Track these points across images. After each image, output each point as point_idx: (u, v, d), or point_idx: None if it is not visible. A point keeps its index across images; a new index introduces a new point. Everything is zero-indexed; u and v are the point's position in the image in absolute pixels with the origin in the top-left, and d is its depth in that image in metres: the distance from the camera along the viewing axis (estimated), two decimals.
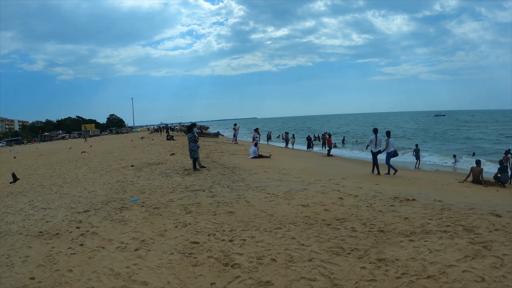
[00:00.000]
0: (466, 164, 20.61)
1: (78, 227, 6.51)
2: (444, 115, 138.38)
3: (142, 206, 7.83)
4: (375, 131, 14.51)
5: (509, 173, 14.34)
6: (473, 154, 25.96)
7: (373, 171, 14.51)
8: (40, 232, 6.42)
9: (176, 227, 6.14)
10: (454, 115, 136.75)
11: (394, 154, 14.85)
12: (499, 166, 14.31)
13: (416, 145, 22.39)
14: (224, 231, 5.85)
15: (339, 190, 9.13)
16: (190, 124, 14.36)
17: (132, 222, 6.54)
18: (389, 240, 5.11)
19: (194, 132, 13.86)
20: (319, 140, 36.55)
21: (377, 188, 9.80)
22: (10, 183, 13.81)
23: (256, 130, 22.23)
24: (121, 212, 7.34)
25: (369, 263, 4.32)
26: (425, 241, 4.95)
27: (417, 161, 21.13)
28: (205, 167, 14.01)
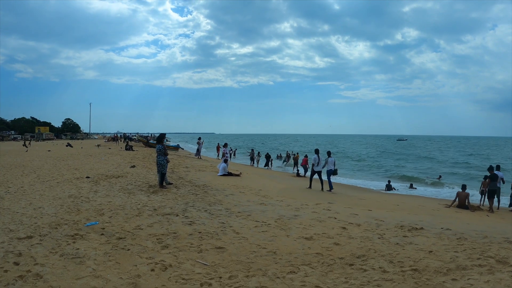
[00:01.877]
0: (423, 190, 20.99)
1: (16, 263, 4.71)
2: (406, 140, 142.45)
3: (102, 234, 6.12)
4: (317, 151, 15.91)
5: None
6: (439, 177, 26.07)
7: (310, 186, 15.72)
8: None
9: (152, 270, 4.53)
10: (413, 140, 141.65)
11: (334, 172, 16.02)
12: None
13: (389, 181, 21.56)
14: (221, 278, 4.36)
15: (335, 218, 8.28)
16: (159, 134, 12.63)
17: (90, 260, 4.85)
18: (430, 281, 4.46)
19: (164, 143, 12.23)
20: (286, 159, 35.37)
21: (374, 214, 9.18)
22: None
23: (226, 145, 20.75)
24: (74, 243, 5.61)
25: None
26: (468, 279, 4.50)
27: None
28: (172, 183, 12.37)
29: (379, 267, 4.90)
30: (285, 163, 33.89)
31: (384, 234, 6.81)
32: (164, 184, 11.74)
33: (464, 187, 14.02)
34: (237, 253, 5.30)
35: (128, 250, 5.31)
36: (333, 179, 16.46)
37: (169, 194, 10.44)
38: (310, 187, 15.73)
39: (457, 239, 6.55)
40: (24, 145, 40.31)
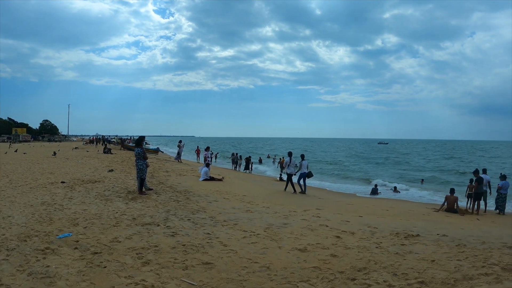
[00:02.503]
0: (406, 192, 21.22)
1: None
2: (387, 143, 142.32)
3: (76, 248, 5.55)
4: (290, 154, 16.33)
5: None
6: (422, 181, 26.19)
7: (285, 189, 16.08)
8: None
9: None
10: (394, 144, 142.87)
11: (308, 175, 16.32)
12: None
13: (376, 185, 21.50)
14: None
15: (327, 226, 7.87)
16: (138, 137, 11.99)
17: (61, 281, 4.28)
18: None
19: (143, 147, 11.64)
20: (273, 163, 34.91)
21: (365, 221, 8.80)
22: None
23: (208, 149, 20.21)
24: (44, 259, 5.01)
25: None
26: None
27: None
28: (152, 189, 11.79)
29: (384, 280, 4.54)
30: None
31: (381, 242, 6.50)
32: (143, 190, 11.15)
33: (452, 191, 13.99)
34: (227, 270, 4.82)
35: (105, 267, 4.76)
36: (309, 182, 16.62)
37: (149, 201, 9.87)
38: (294, 191, 15.71)
39: (456, 246, 6.37)
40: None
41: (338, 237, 6.87)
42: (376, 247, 6.14)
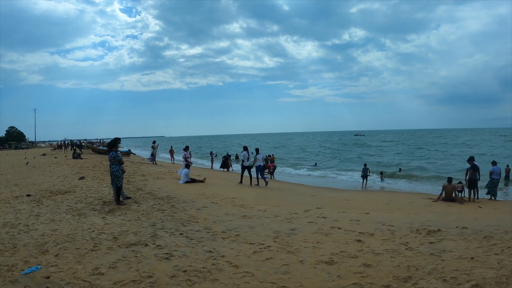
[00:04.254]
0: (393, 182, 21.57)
1: None
2: (363, 135, 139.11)
3: None
4: (245, 148, 17.13)
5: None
6: (400, 170, 26.04)
7: (242, 182, 16.86)
8: None
9: None
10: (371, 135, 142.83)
11: (264, 167, 18.01)
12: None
13: (365, 164, 21.04)
14: None
15: (339, 228, 7.14)
16: (112, 139, 10.60)
17: None
18: None
19: (117, 150, 10.29)
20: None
21: (376, 218, 8.36)
22: None
23: (187, 148, 18.90)
24: None
25: None
26: None
27: (364, 181, 19.65)
28: (130, 197, 10.52)
29: None
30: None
31: (408, 243, 5.98)
32: (120, 199, 9.87)
33: (450, 179, 13.77)
34: None
35: None
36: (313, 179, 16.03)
37: (129, 212, 8.61)
38: (250, 183, 16.66)
39: (483, 238, 6.22)
40: None
41: (359, 240, 6.16)
42: (406, 249, 5.63)
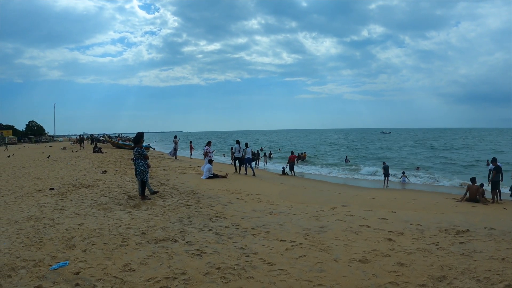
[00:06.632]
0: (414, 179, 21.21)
1: None
2: (389, 133, 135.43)
3: (77, 285, 4.14)
4: (237, 142, 19.16)
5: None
6: (418, 168, 25.56)
7: (236, 171, 19.07)
8: None
9: None
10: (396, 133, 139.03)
11: (252, 159, 20.78)
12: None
13: (384, 162, 20.58)
14: None
15: (368, 226, 6.92)
16: (136, 134, 10.44)
17: None
18: None
19: (142, 145, 10.13)
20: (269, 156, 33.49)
21: (403, 217, 8.14)
22: None
23: (209, 144, 18.72)
24: None
25: None
26: None
27: (385, 179, 19.15)
28: (157, 192, 10.39)
29: None
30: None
31: (438, 242, 5.86)
32: (147, 194, 9.73)
33: (473, 180, 13.43)
34: None
35: None
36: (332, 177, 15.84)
37: (155, 207, 8.45)
38: (238, 172, 18.95)
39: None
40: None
41: (390, 239, 5.98)
42: (437, 249, 5.52)
